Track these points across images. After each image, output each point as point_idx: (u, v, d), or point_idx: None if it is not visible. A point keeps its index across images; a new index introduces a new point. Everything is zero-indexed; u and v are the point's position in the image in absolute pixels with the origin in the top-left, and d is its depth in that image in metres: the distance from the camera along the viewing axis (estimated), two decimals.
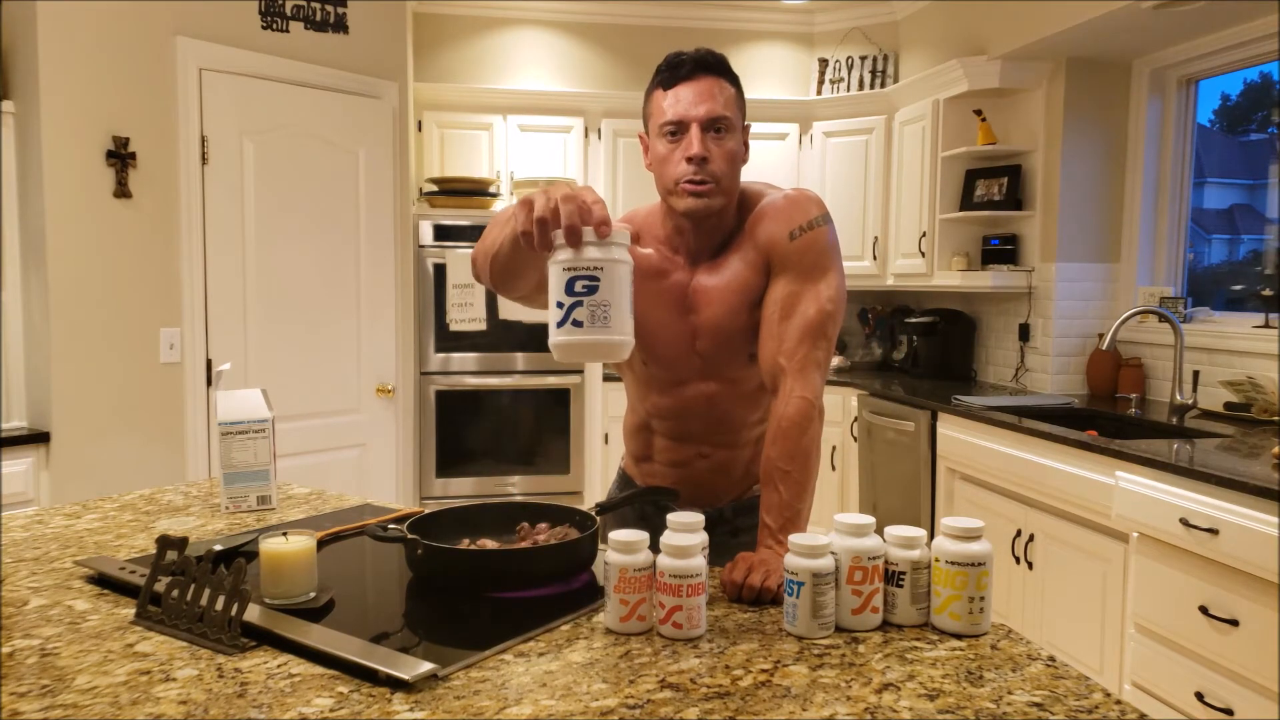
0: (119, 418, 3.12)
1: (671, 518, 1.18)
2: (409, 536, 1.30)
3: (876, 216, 4.68)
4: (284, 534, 1.23)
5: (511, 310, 4.24)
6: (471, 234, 4.26)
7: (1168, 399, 3.53)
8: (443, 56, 4.85)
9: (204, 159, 3.29)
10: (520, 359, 4.36)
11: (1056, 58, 3.79)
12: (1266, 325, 3.17)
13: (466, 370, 4.32)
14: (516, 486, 4.40)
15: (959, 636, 1.14)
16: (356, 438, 3.87)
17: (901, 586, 1.16)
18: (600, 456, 4.51)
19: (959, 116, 4.16)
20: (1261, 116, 3.65)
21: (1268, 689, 2.15)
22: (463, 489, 4.34)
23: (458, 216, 4.26)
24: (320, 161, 3.66)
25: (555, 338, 1.13)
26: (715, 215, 1.49)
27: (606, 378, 4.49)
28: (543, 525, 1.45)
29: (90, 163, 3.02)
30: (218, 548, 1.40)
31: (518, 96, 4.63)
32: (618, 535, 1.14)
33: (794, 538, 1.14)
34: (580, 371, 4.43)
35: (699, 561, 1.13)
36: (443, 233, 4.24)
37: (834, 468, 4.50)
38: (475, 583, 1.26)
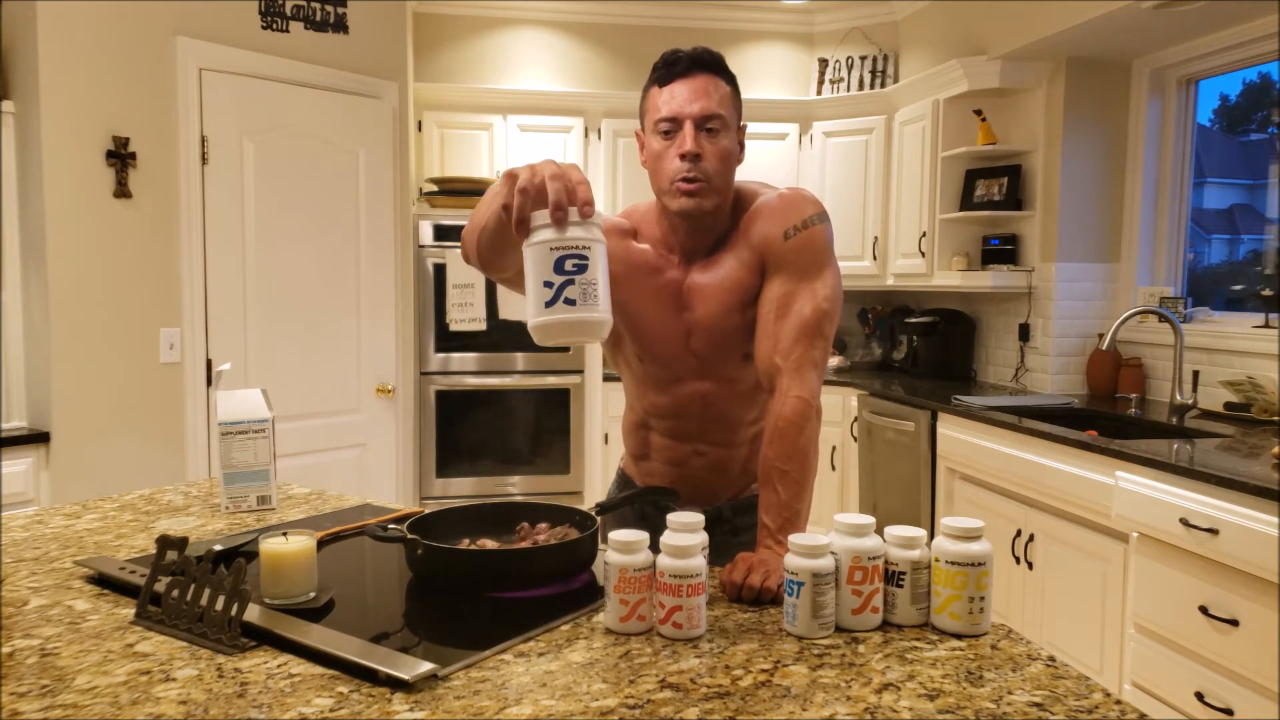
0: (119, 418, 3.12)
1: (671, 518, 1.18)
2: (409, 536, 1.30)
3: (876, 216, 4.68)
4: (284, 534, 1.23)
5: (511, 310, 4.24)
6: None
7: (1168, 399, 3.53)
8: (443, 56, 4.85)
9: (204, 159, 3.29)
10: (520, 359, 4.36)
11: (1056, 58, 3.79)
12: (1266, 325, 3.17)
13: (466, 370, 4.32)
14: (516, 486, 4.40)
15: (959, 636, 1.14)
16: (356, 438, 3.87)
17: (901, 586, 1.16)
18: (600, 456, 4.51)
19: (959, 116, 4.16)
20: (1261, 116, 3.65)
21: (1268, 689, 2.15)
22: (463, 489, 4.34)
23: (458, 216, 4.26)
24: (320, 161, 3.66)
25: (546, 316, 1.09)
26: (709, 214, 1.49)
27: (606, 378, 4.49)
28: (543, 525, 1.45)
29: (90, 163, 3.02)
30: (218, 548, 1.40)
31: (518, 96, 4.63)
32: (618, 535, 1.14)
33: (794, 538, 1.14)
34: (580, 371, 4.43)
35: (699, 561, 1.13)
36: (443, 233, 4.23)
37: (834, 468, 4.50)
38: (475, 583, 1.26)
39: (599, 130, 4.71)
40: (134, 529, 1.64)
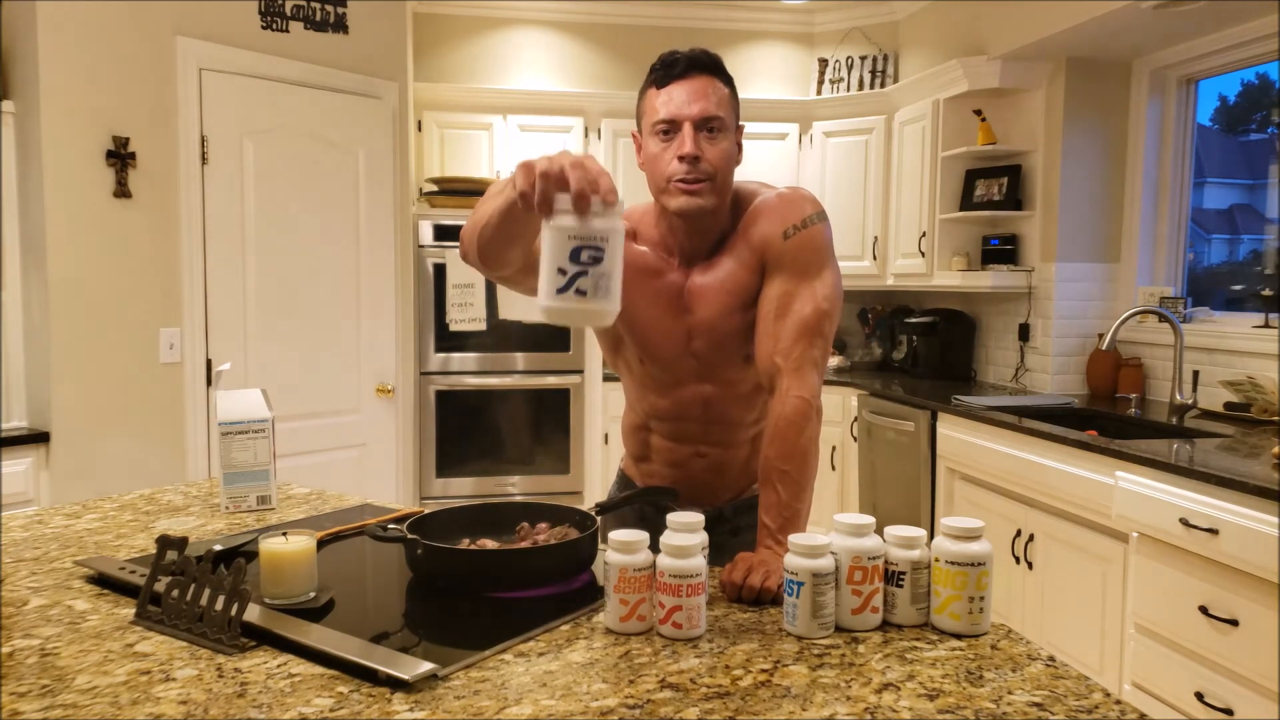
0: (119, 418, 3.12)
1: (671, 518, 1.18)
2: (409, 536, 1.30)
3: (876, 216, 4.68)
4: (284, 534, 1.23)
5: (511, 310, 4.24)
6: None
7: (1168, 399, 3.53)
8: (443, 56, 4.85)
9: (204, 159, 3.29)
10: (520, 359, 4.36)
11: (1056, 58, 3.79)
12: (1266, 325, 3.17)
13: (466, 370, 4.31)
14: (516, 486, 4.40)
15: (959, 636, 1.14)
16: (356, 438, 3.87)
17: (901, 586, 1.16)
18: (600, 456, 4.50)
19: (959, 116, 4.16)
20: (1261, 117, 3.65)
21: (1268, 689, 2.15)
22: (463, 489, 4.34)
23: (458, 216, 4.26)
24: (320, 161, 3.66)
25: (554, 301, 1.09)
26: (709, 215, 1.48)
27: (606, 378, 4.49)
28: (543, 525, 1.45)
29: (90, 163, 3.02)
30: (218, 548, 1.40)
31: (518, 96, 4.63)
32: (617, 535, 1.14)
33: (794, 538, 1.14)
34: (580, 371, 4.43)
35: (699, 561, 1.13)
36: (443, 233, 4.23)
37: (834, 468, 4.50)
38: (475, 583, 1.26)
39: (599, 130, 4.71)
40: (134, 529, 1.64)
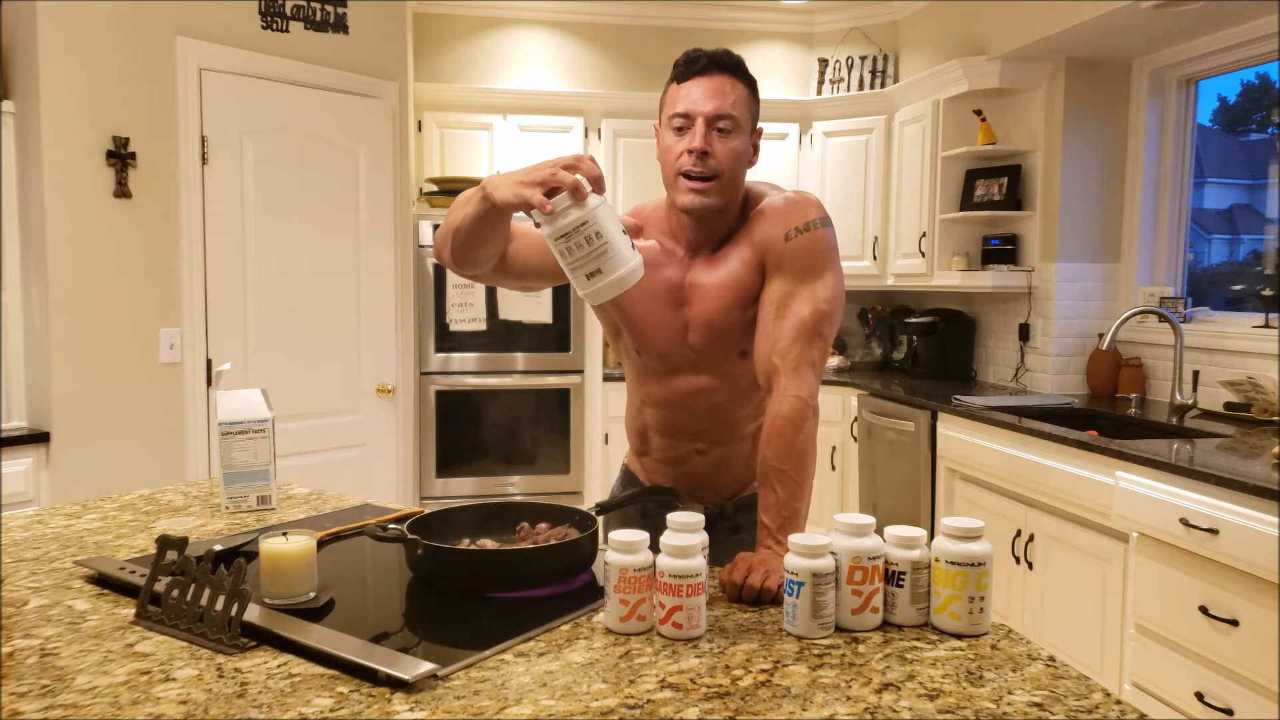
0: (119, 418, 3.12)
1: (671, 518, 1.18)
2: (409, 536, 1.30)
3: (876, 216, 4.68)
4: (284, 534, 1.23)
5: (511, 310, 4.24)
6: None
7: (1168, 399, 3.53)
8: (443, 56, 4.85)
9: (204, 159, 3.29)
10: (520, 359, 4.35)
11: (1056, 58, 3.79)
12: (1266, 325, 3.17)
13: (466, 370, 4.31)
14: (516, 486, 4.40)
15: (959, 636, 1.14)
16: (356, 438, 3.87)
17: (901, 586, 1.16)
18: (600, 456, 4.50)
19: (959, 116, 4.16)
20: (1261, 117, 3.65)
21: (1268, 689, 2.15)
22: (463, 489, 4.34)
23: None
24: (320, 161, 3.66)
25: (586, 290, 1.26)
26: (715, 213, 1.51)
27: (606, 377, 4.49)
28: (543, 525, 1.45)
29: (90, 163, 3.02)
30: (218, 548, 1.40)
31: (518, 96, 4.63)
32: (618, 535, 1.14)
33: (794, 538, 1.14)
34: (580, 371, 4.43)
35: (699, 561, 1.13)
36: None
37: (834, 468, 4.50)
38: (475, 583, 1.26)
39: (599, 130, 4.70)
40: (134, 529, 1.64)
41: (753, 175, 1.55)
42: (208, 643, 1.09)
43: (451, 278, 4.22)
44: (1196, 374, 3.39)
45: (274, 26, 3.48)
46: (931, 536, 1.18)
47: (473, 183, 4.34)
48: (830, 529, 1.20)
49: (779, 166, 4.78)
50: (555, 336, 4.35)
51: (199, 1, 3.25)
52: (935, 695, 0.97)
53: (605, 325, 1.69)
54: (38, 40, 2.89)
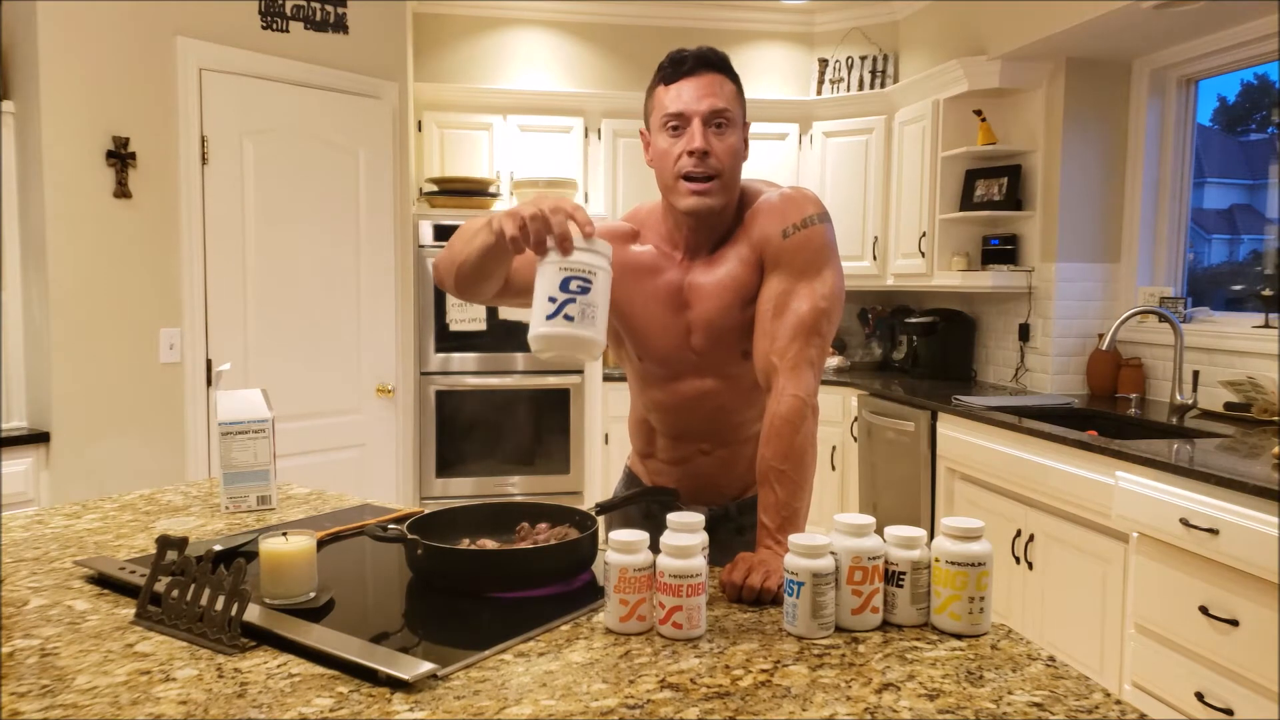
0: (119, 418, 3.12)
1: (671, 518, 1.18)
2: (409, 536, 1.30)
3: (876, 216, 4.68)
4: (284, 534, 1.23)
5: (511, 310, 4.24)
6: None
7: (1168, 399, 3.53)
8: (443, 56, 4.85)
9: (204, 159, 3.29)
10: (520, 359, 4.36)
11: (1056, 58, 3.79)
12: (1266, 325, 3.17)
13: (466, 370, 4.32)
14: (516, 486, 4.40)
15: (959, 636, 1.14)
16: (356, 438, 3.87)
17: (901, 586, 1.16)
18: (600, 456, 4.50)
19: (959, 116, 4.16)
20: (1261, 117, 3.65)
21: (1268, 689, 2.15)
22: (463, 489, 4.34)
23: (458, 216, 4.26)
24: (320, 161, 3.66)
25: (544, 328, 1.20)
26: (717, 214, 1.50)
27: (606, 377, 4.49)
28: (543, 525, 1.45)
29: (90, 163, 3.02)
30: (218, 548, 1.40)
31: (518, 96, 4.63)
32: (618, 535, 1.14)
33: (794, 538, 1.14)
34: (580, 371, 4.43)
35: (699, 561, 1.13)
36: (443, 233, 4.23)
37: (834, 468, 4.50)
38: (475, 583, 1.26)
39: (599, 130, 4.70)
40: (134, 529, 1.64)
41: (747, 172, 1.54)
42: (208, 643, 1.09)
43: None
44: (1196, 374, 3.39)
45: (274, 26, 3.48)
46: (931, 536, 1.18)
47: (473, 182, 4.35)
48: (830, 529, 1.20)
49: (779, 166, 4.78)
50: None
51: (199, 1, 3.25)
52: (935, 695, 0.97)
53: (608, 332, 1.68)
54: (38, 40, 2.89)
